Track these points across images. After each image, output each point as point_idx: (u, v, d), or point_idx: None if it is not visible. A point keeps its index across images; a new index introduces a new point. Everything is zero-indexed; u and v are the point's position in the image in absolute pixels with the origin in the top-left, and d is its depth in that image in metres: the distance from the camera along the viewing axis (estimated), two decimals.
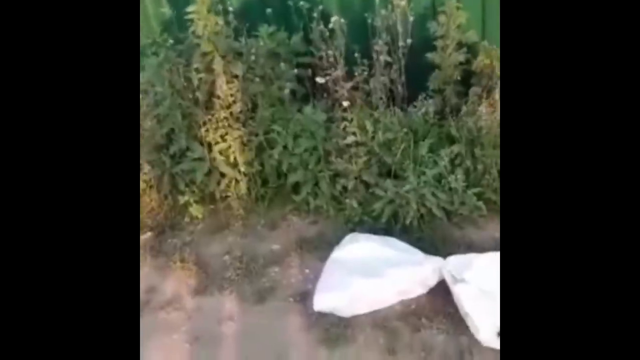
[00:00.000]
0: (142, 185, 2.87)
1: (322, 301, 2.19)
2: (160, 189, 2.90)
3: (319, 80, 3.03)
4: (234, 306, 2.34)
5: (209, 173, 2.86)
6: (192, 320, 2.30)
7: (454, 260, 2.18)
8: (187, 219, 2.87)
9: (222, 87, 2.83)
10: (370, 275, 2.22)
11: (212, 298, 2.39)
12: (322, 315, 2.21)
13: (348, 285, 2.20)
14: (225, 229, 2.79)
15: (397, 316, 2.18)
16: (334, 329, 2.16)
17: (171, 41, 2.79)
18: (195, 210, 2.83)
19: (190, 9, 2.82)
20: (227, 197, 2.88)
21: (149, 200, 2.91)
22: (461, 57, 2.89)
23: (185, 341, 2.20)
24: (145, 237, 2.77)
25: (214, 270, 2.54)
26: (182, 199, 2.84)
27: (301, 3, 2.99)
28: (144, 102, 2.93)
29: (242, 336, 2.20)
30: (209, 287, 2.44)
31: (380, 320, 2.17)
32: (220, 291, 2.42)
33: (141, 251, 2.68)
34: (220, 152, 2.84)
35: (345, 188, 2.68)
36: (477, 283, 2.05)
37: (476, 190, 2.52)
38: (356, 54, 2.95)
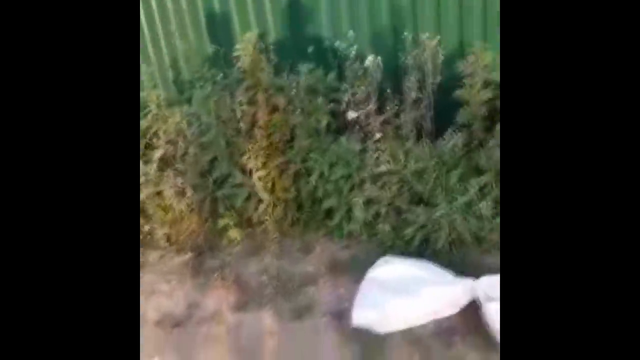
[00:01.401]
0: (183, 208, 3.04)
1: (360, 317, 2.29)
2: (201, 212, 3.07)
3: (351, 114, 3.24)
4: (273, 322, 2.44)
5: (248, 198, 3.03)
6: (233, 334, 2.41)
7: (487, 280, 2.28)
8: (225, 242, 3.01)
9: (264, 118, 3.03)
10: (404, 294, 2.33)
11: (252, 314, 2.50)
12: (357, 332, 2.31)
13: (384, 302, 2.31)
14: (261, 251, 2.92)
15: (430, 334, 2.27)
16: (370, 345, 2.25)
17: (220, 75, 3.02)
18: (234, 233, 2.98)
19: (237, 46, 3.07)
20: (264, 221, 3.03)
21: (189, 223, 3.06)
22: (488, 94, 3.07)
23: (228, 354, 2.30)
24: (185, 257, 2.92)
25: (252, 289, 2.66)
26: (221, 222, 2.99)
27: (337, 43, 3.23)
28: (189, 131, 3.15)
29: (282, 350, 2.30)
30: (249, 304, 2.56)
31: (414, 338, 2.26)
32: (258, 308, 2.53)
33: (182, 270, 2.82)
34: (260, 179, 3.01)
35: (377, 214, 2.82)
36: None
37: None
38: (387, 90, 3.16)
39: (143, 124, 3.44)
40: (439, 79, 3.11)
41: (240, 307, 2.56)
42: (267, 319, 2.47)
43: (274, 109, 3.07)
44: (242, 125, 3.06)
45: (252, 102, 3.06)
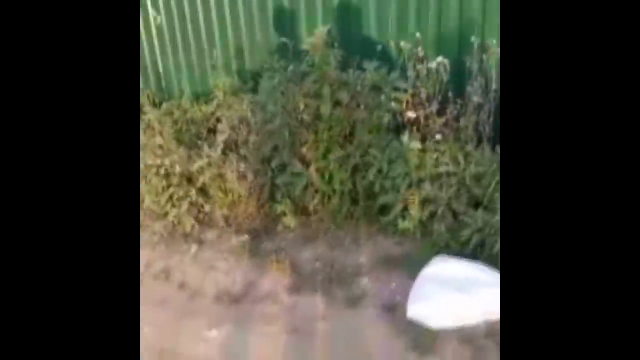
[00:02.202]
0: (243, 192, 3.15)
1: (414, 310, 2.34)
2: (260, 197, 3.16)
3: (410, 114, 3.30)
4: (326, 307, 2.52)
5: (305, 187, 3.11)
6: (287, 315, 2.49)
7: None
8: (280, 227, 3.09)
9: (327, 112, 3.11)
10: (459, 291, 2.37)
11: (305, 297, 2.58)
12: (410, 325, 2.36)
13: (438, 297, 2.36)
14: (315, 240, 3.00)
15: (482, 334, 2.30)
16: (422, 338, 2.30)
17: (291, 67, 3.11)
18: (289, 219, 3.06)
19: (307, 40, 3.16)
20: (319, 210, 3.10)
21: (247, 206, 3.16)
22: None
23: (283, 333, 2.39)
24: (242, 238, 3.02)
25: (306, 274, 2.74)
26: (278, 208, 3.08)
27: (402, 44, 3.29)
28: (253, 119, 3.25)
29: (335, 335, 2.37)
30: (302, 288, 2.64)
31: (466, 336, 2.30)
32: (312, 292, 2.61)
33: (239, 250, 2.93)
34: (318, 170, 3.09)
35: (433, 214, 2.86)
36: None
37: None
38: (450, 94, 3.20)
39: (208, 109, 3.57)
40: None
41: (295, 289, 2.64)
42: (320, 303, 2.54)
43: (337, 103, 3.14)
44: (305, 116, 3.14)
45: (317, 95, 3.14)
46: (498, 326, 2.32)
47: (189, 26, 4.02)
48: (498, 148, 3.13)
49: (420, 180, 2.92)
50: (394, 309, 2.46)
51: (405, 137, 3.03)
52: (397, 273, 2.68)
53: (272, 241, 3.00)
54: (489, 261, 2.62)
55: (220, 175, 3.12)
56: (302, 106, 3.14)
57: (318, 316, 2.46)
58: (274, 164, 3.16)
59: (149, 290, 2.68)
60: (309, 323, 2.42)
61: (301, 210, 3.14)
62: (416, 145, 2.98)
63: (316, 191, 3.12)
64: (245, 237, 3.02)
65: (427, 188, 2.87)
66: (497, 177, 2.83)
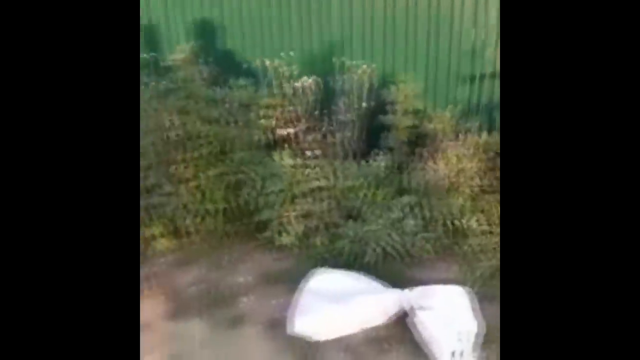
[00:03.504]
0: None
1: (295, 325, 2.37)
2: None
3: (280, 132, 3.37)
4: (208, 331, 2.44)
5: (177, 208, 3.00)
6: (166, 343, 2.37)
7: (414, 291, 2.47)
8: (152, 251, 2.94)
9: (196, 129, 3.04)
10: (337, 302, 2.45)
11: (184, 324, 2.48)
12: (293, 340, 2.38)
13: (318, 311, 2.41)
14: (191, 263, 2.90)
15: (361, 342, 2.40)
16: (305, 352, 2.33)
17: (153, 83, 2.99)
18: (163, 242, 2.93)
19: (171, 57, 3.08)
20: (194, 231, 3.01)
21: None
22: (409, 121, 3.35)
23: None
24: None
25: (183, 299, 2.63)
26: (149, 232, 2.93)
27: (268, 62, 3.36)
28: None
29: (218, 359, 2.30)
30: (180, 314, 2.53)
31: (346, 345, 2.38)
32: (191, 318, 2.51)
33: None
34: (190, 189, 3.00)
35: (311, 228, 2.93)
36: (436, 312, 2.34)
37: (427, 234, 2.87)
38: (317, 112, 3.34)
39: None
40: (370, 104, 3.34)
41: (171, 316, 2.52)
42: (199, 328, 2.46)
43: (207, 121, 3.09)
44: (172, 134, 3.04)
45: (183, 112, 3.06)
46: (375, 333, 2.45)
47: None
48: (364, 162, 3.33)
49: (295, 196, 2.98)
50: (277, 326, 2.46)
51: (278, 154, 3.08)
52: (278, 289, 2.70)
53: (145, 266, 2.83)
54: (363, 269, 2.75)
55: None
56: (167, 124, 3.03)
57: (197, 341, 2.37)
58: (143, 184, 2.99)
59: None
60: (188, 350, 2.33)
61: (176, 232, 3.02)
62: (289, 161, 3.05)
63: (189, 212, 3.03)
64: None
65: (303, 203, 2.94)
66: (365, 190, 3.00)
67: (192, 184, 3.00)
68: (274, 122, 3.36)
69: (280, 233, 2.94)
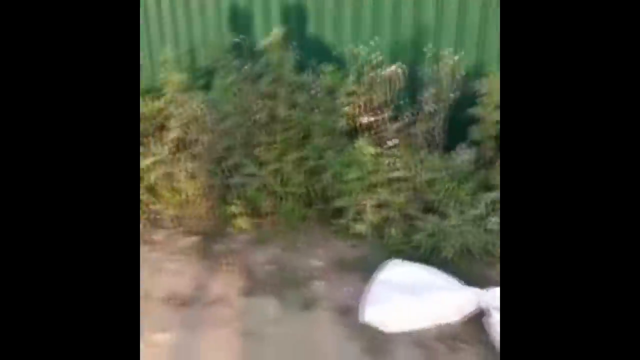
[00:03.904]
0: (193, 192, 3.06)
1: (367, 314, 2.34)
2: (211, 197, 3.08)
3: (364, 119, 3.33)
4: (279, 310, 2.48)
5: (259, 189, 3.06)
6: (239, 318, 2.43)
7: (492, 291, 2.36)
8: (232, 229, 3.03)
9: (283, 113, 3.08)
10: (411, 295, 2.39)
11: (258, 300, 2.53)
12: (364, 328, 2.35)
13: (391, 301, 2.37)
14: (268, 243, 2.96)
15: (434, 337, 2.33)
16: (376, 342, 2.30)
17: (246, 67, 3.06)
18: (242, 221, 3.00)
19: (264, 40, 3.13)
20: (273, 212, 3.06)
21: (198, 207, 3.07)
22: (498, 115, 3.18)
23: (235, 336, 2.32)
24: (192, 239, 2.93)
25: (258, 277, 2.69)
26: (230, 210, 3.02)
27: (359, 48, 3.32)
28: (207, 117, 3.17)
29: (288, 338, 2.32)
30: (254, 291, 2.59)
31: (418, 339, 2.32)
32: (264, 295, 2.56)
33: (189, 252, 2.84)
34: (272, 171, 3.05)
35: (387, 218, 2.88)
36: None
37: None
38: (403, 100, 3.26)
39: (157, 105, 3.45)
40: (456, 94, 3.22)
41: (246, 292, 2.58)
42: (272, 306, 2.50)
43: (293, 106, 3.12)
44: (260, 117, 3.10)
45: (272, 96, 3.11)
46: (449, 329, 2.38)
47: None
48: (450, 155, 3.21)
49: (375, 185, 2.94)
50: (347, 313, 2.45)
51: (359, 142, 3.05)
52: (351, 276, 2.68)
53: (224, 243, 2.93)
54: (440, 265, 2.67)
55: (170, 174, 3.02)
56: (256, 107, 3.10)
57: (271, 319, 2.41)
58: (227, 164, 3.09)
59: None
60: (261, 326, 2.37)
61: (255, 212, 3.09)
62: (369, 150, 3.01)
63: (270, 193, 3.08)
64: (195, 238, 2.93)
65: (380, 193, 2.90)
66: (448, 184, 2.90)
67: (273, 166, 3.05)
68: (356, 110, 3.33)
69: (355, 221, 2.92)
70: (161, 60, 3.78)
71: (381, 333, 2.34)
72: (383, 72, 3.31)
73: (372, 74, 3.30)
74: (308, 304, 2.51)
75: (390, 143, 3.18)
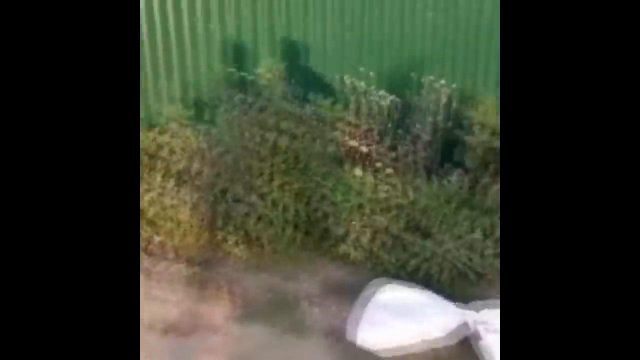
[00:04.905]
0: (194, 223, 3.10)
1: (363, 336, 2.36)
2: (212, 227, 3.12)
3: (363, 148, 3.40)
4: (270, 336, 2.48)
5: (258, 218, 3.09)
6: (230, 345, 2.43)
7: (486, 313, 2.35)
8: (226, 256, 3.04)
9: (283, 144, 3.15)
10: (403, 317, 2.40)
11: (249, 327, 2.54)
12: (357, 351, 2.36)
13: (382, 323, 2.40)
14: (264, 269, 2.97)
15: (429, 359, 2.32)
16: None
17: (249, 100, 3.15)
18: (240, 250, 3.03)
19: (259, 71, 3.24)
20: (271, 241, 3.08)
21: (197, 237, 3.11)
22: (486, 140, 3.23)
23: None
24: (190, 269, 2.95)
25: (251, 303, 2.70)
26: (229, 238, 3.05)
27: (350, 80, 3.42)
28: (210, 151, 3.25)
29: None
30: (247, 317, 2.60)
31: None
32: (256, 322, 2.57)
33: (184, 280, 2.87)
34: (272, 201, 3.09)
35: (383, 243, 2.90)
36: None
37: None
38: (392, 128, 3.34)
39: (162, 139, 3.51)
40: (447, 122, 3.29)
41: (238, 319, 2.59)
42: (264, 333, 2.50)
43: (294, 137, 3.19)
44: (260, 149, 3.16)
45: (273, 128, 3.18)
46: (442, 352, 2.36)
47: None
48: (444, 181, 3.24)
49: (366, 211, 2.98)
50: (340, 337, 2.45)
51: (357, 170, 3.11)
52: (346, 301, 2.68)
53: (220, 271, 2.95)
54: (435, 289, 2.67)
55: (172, 207, 3.08)
56: (258, 139, 3.16)
57: (261, 346, 2.42)
58: (229, 195, 3.14)
59: None
60: (252, 354, 2.37)
61: (253, 240, 3.12)
62: (362, 176, 3.07)
63: (268, 222, 3.11)
64: (193, 267, 2.96)
65: (373, 218, 2.93)
66: (443, 209, 2.92)
67: (274, 195, 3.09)
68: (348, 137, 3.41)
69: (349, 246, 2.94)
70: (155, 91, 3.81)
71: (375, 356, 2.33)
72: (373, 100, 3.40)
73: (362, 101, 3.39)
74: (302, 330, 2.52)
75: (384, 170, 3.23)
